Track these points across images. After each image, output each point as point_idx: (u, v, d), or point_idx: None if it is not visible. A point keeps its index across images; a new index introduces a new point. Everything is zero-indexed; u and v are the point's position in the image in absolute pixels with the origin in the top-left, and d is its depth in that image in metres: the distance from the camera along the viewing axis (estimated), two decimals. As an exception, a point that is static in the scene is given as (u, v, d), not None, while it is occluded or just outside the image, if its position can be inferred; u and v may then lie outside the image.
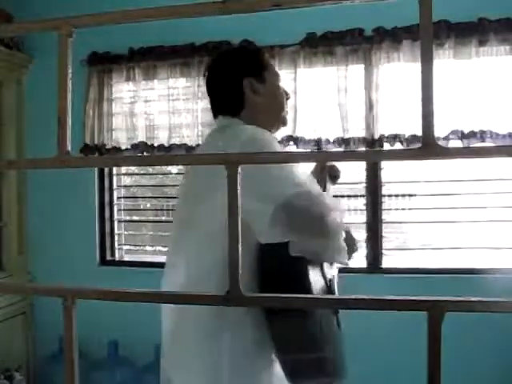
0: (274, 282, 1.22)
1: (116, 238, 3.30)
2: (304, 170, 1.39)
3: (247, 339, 1.26)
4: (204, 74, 1.52)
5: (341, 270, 1.45)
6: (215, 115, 1.50)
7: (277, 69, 1.59)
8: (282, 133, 2.78)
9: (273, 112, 1.48)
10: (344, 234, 1.26)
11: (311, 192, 1.22)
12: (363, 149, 2.72)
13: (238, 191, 0.42)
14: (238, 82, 1.43)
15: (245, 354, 1.26)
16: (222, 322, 1.23)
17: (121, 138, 3.11)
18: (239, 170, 0.42)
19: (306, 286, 1.21)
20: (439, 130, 2.58)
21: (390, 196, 2.93)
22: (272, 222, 1.15)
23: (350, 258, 1.32)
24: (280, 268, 1.21)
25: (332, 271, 1.38)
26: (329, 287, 1.33)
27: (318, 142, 2.81)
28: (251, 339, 1.26)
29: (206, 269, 1.23)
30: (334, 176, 1.49)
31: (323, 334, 1.26)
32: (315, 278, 1.26)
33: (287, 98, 1.54)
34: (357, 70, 2.79)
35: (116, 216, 3.30)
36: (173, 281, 1.35)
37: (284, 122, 1.53)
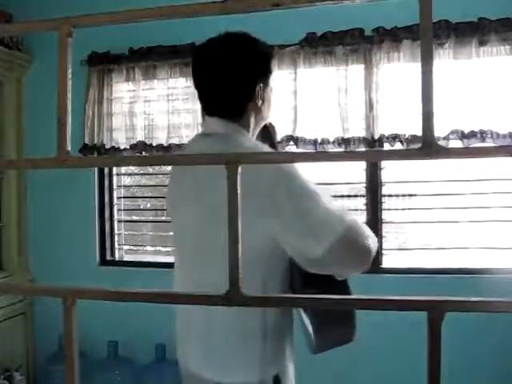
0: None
1: (116, 238, 3.30)
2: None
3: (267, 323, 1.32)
4: (193, 63, 1.35)
5: None
6: (208, 113, 1.36)
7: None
8: (282, 133, 2.78)
9: (266, 115, 1.44)
10: None
11: (356, 223, 1.29)
12: (363, 149, 2.72)
13: (238, 191, 0.41)
14: (251, 88, 1.34)
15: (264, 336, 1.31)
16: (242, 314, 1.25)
17: (120, 138, 3.11)
18: (239, 170, 0.42)
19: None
20: (439, 130, 2.58)
21: (390, 196, 2.93)
22: (328, 258, 1.23)
23: None
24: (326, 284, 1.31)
25: None
26: None
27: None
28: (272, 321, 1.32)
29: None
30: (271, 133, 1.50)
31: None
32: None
33: None
34: (357, 70, 2.79)
35: (116, 216, 3.30)
36: (200, 280, 1.31)
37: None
